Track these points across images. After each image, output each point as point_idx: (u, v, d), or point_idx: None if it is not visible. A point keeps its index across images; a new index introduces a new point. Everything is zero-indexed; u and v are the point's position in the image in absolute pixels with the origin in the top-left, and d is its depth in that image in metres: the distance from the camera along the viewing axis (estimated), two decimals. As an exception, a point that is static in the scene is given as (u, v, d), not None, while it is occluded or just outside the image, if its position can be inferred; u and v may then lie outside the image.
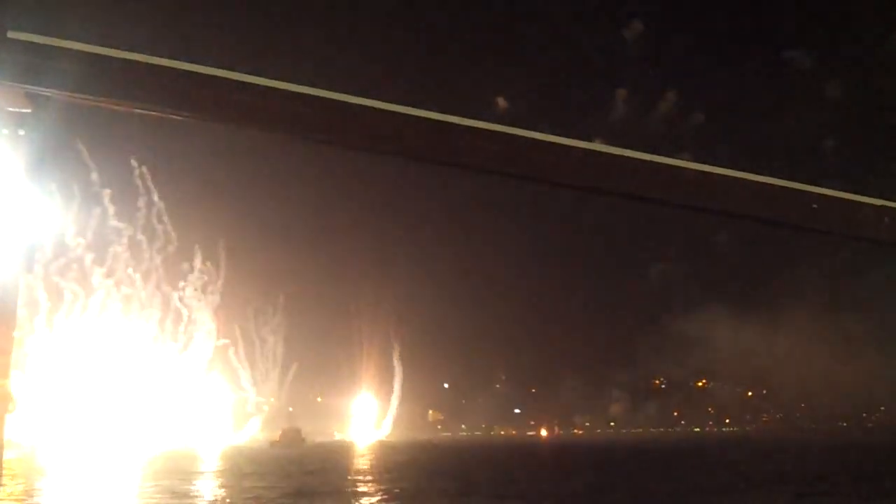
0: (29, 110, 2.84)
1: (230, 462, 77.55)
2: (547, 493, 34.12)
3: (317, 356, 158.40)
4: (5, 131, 2.83)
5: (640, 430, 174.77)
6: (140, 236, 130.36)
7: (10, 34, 2.78)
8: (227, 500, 33.07)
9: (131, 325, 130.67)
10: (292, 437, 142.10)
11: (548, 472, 48.75)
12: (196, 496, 36.71)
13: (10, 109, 2.78)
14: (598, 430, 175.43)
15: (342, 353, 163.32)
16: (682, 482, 40.94)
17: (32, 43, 2.81)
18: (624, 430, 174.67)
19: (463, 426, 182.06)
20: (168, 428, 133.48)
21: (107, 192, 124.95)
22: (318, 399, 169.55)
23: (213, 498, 35.78)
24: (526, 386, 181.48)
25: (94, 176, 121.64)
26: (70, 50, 2.77)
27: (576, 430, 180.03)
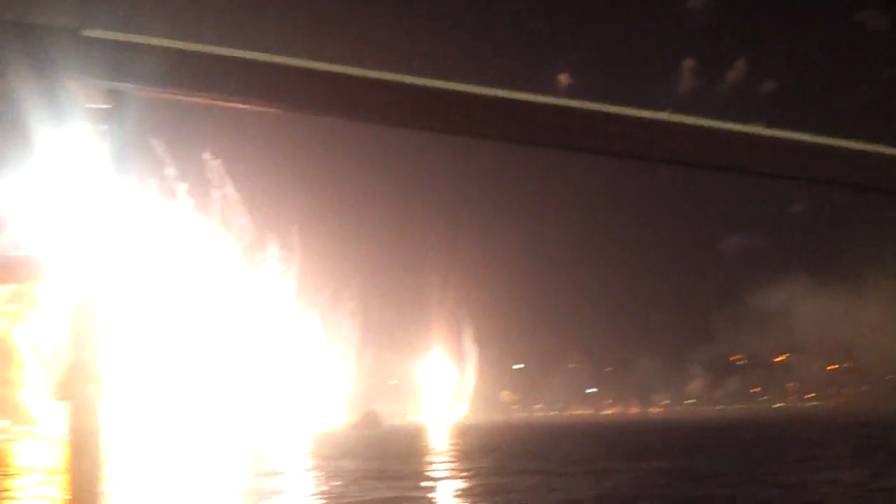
0: (108, 106, 2.95)
1: (321, 445, 79.57)
2: (632, 470, 33.87)
3: (391, 339, 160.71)
4: (87, 128, 2.96)
5: (720, 407, 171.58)
6: (217, 228, 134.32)
7: (87, 32, 2.88)
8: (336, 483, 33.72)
9: (212, 314, 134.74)
10: (371, 419, 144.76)
11: (629, 451, 48.32)
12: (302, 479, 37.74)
13: (90, 106, 2.89)
14: (677, 408, 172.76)
15: (416, 336, 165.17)
16: (764, 457, 40.10)
17: (109, 39, 2.91)
18: (703, 408, 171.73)
19: (537, 406, 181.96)
20: (257, 416, 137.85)
21: (182, 186, 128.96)
22: (393, 382, 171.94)
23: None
24: (600, 365, 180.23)
25: (170, 171, 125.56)
26: (146, 45, 2.85)
27: (653, 409, 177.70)
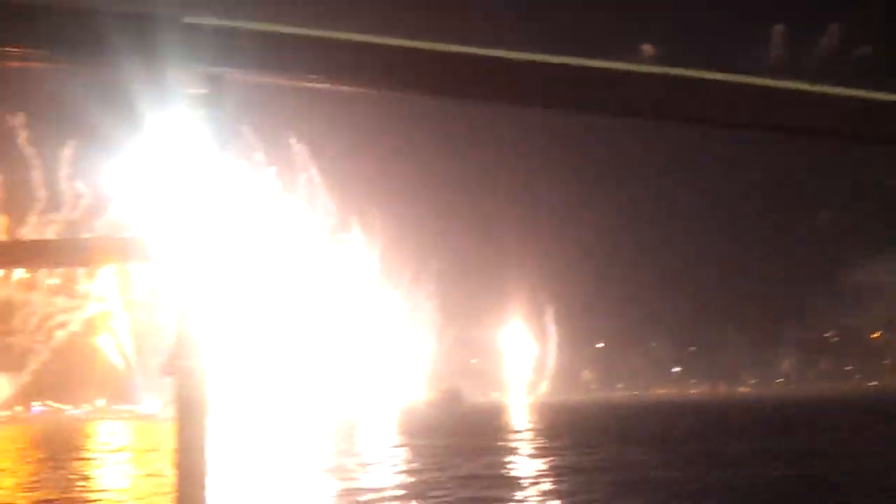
0: (208, 91, 3.06)
1: (405, 422, 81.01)
2: (718, 452, 33.23)
3: (473, 318, 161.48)
4: (188, 113, 3.08)
5: (812, 386, 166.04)
6: (302, 210, 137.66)
7: (188, 19, 3.00)
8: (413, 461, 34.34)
9: (299, 294, 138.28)
10: (450, 397, 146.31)
11: (715, 431, 47.39)
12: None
13: (191, 91, 3.01)
14: (766, 388, 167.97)
15: (496, 315, 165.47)
16: (857, 438, 38.74)
17: (209, 25, 3.01)
18: (794, 387, 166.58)
19: (619, 386, 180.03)
20: (342, 393, 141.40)
21: (271, 170, 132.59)
22: (473, 361, 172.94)
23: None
24: (684, 344, 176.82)
25: (259, 156, 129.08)
26: (245, 29, 2.94)
27: (741, 389, 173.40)
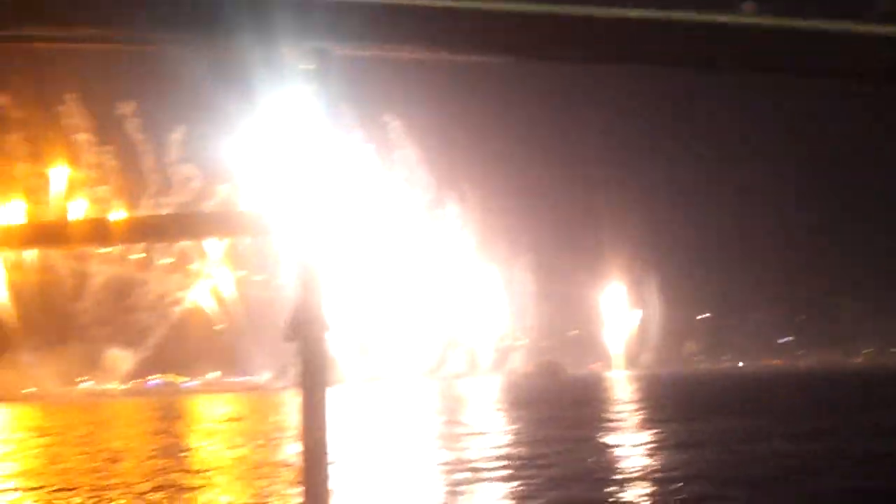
0: (318, 67, 3.09)
1: (506, 393, 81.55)
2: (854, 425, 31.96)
3: (570, 290, 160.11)
4: (301, 88, 3.13)
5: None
6: (399, 187, 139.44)
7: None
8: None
9: (399, 267, 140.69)
10: (549, 369, 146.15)
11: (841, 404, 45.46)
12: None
13: (303, 67, 3.05)
14: (882, 358, 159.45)
15: (595, 287, 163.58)
16: None
17: (323, 1, 3.04)
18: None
19: (724, 357, 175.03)
20: (440, 364, 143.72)
21: (369, 147, 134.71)
22: (572, 333, 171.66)
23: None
24: (793, 314, 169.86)
25: (358, 133, 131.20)
26: (356, 3, 2.94)
27: (855, 359, 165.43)
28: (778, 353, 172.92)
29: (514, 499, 17.56)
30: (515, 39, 2.82)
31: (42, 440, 39.40)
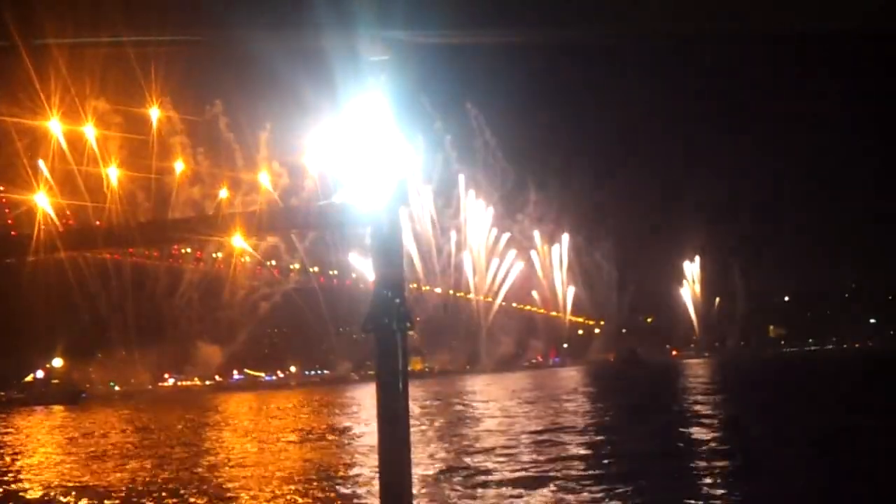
0: (387, 57, 3.09)
1: (591, 378, 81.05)
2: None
3: (646, 277, 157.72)
4: (378, 79, 3.14)
5: None
6: (479, 176, 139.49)
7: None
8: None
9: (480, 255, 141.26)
10: (627, 356, 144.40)
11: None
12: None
13: (372, 59, 3.06)
14: None
15: (676, 274, 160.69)
16: None
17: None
18: None
19: (810, 341, 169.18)
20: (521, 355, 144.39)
21: (447, 138, 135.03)
22: (649, 320, 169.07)
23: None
24: (884, 293, 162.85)
25: (438, 124, 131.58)
26: None
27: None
28: (868, 333, 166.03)
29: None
30: (606, 16, 2.74)
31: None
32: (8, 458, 31.64)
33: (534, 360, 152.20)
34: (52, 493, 21.66)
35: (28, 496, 21.66)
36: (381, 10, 3.07)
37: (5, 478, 25.29)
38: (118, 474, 24.58)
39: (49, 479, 24.62)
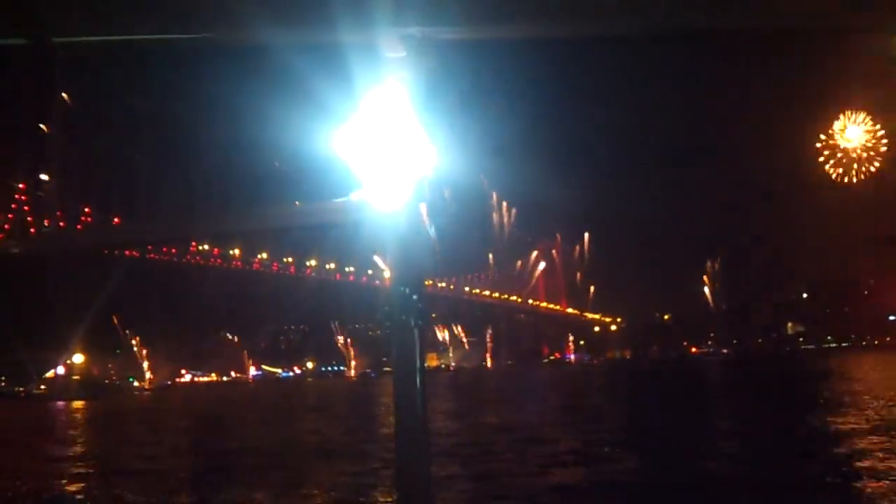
0: (403, 54, 3.11)
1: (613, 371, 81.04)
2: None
3: (658, 274, 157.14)
4: (397, 76, 3.16)
5: None
6: (503, 172, 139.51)
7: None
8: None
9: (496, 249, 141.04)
10: (640, 354, 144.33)
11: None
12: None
13: (389, 55, 3.09)
14: None
15: (686, 270, 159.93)
16: None
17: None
18: None
19: (829, 338, 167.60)
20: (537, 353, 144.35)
21: (471, 135, 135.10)
22: (666, 317, 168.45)
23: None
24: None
25: (462, 120, 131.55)
26: None
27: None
28: (888, 331, 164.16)
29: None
30: (621, 15, 2.75)
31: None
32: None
33: (551, 357, 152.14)
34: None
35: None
36: (397, 7, 3.09)
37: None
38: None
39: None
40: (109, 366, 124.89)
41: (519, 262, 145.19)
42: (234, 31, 2.98)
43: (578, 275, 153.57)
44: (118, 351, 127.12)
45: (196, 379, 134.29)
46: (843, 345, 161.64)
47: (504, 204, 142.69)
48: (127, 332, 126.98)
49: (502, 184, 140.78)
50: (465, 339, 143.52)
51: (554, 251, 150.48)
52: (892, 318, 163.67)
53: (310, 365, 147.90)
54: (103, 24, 2.95)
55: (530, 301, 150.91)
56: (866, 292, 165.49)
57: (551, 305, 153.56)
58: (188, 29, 2.87)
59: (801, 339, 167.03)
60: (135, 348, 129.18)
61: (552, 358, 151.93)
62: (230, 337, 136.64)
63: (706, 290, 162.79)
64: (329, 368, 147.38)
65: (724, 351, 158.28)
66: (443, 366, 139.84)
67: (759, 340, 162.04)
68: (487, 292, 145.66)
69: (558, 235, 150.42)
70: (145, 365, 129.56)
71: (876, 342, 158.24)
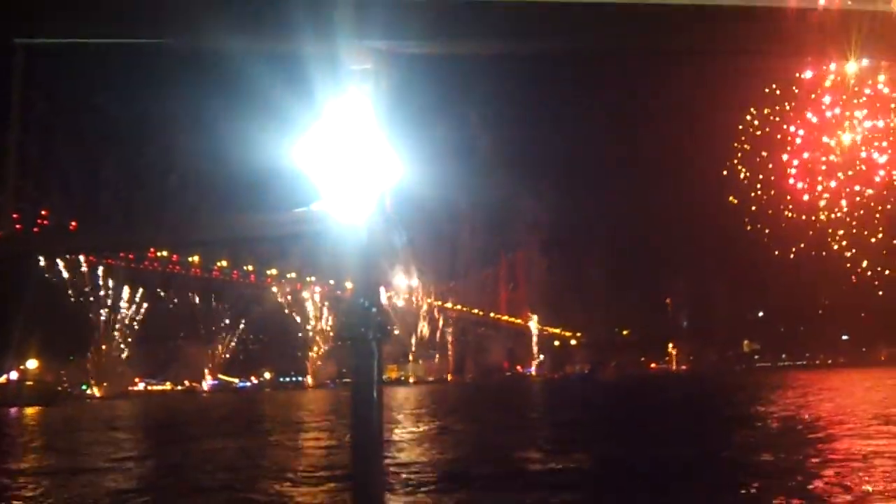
0: (369, 66, 3.12)
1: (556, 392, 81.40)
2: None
3: (619, 289, 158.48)
4: (358, 88, 3.17)
5: None
6: (484, 179, 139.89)
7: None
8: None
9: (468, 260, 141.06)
10: (600, 369, 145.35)
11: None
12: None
13: (360, 67, 3.09)
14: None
15: (646, 286, 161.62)
16: None
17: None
18: None
19: (783, 356, 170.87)
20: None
21: (456, 140, 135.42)
22: (625, 333, 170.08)
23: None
24: (854, 311, 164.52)
25: (437, 130, 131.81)
26: (414, 1, 2.95)
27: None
28: (839, 349, 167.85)
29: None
30: (575, 30, 2.79)
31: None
32: None
33: (509, 372, 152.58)
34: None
35: None
36: (361, 20, 3.11)
37: None
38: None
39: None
40: (62, 372, 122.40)
41: (482, 275, 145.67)
42: (193, 36, 2.97)
43: (542, 288, 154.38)
44: (72, 358, 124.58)
45: (149, 387, 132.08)
46: (798, 363, 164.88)
47: (469, 216, 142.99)
48: (82, 337, 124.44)
49: (471, 196, 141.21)
50: (426, 352, 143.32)
51: (518, 264, 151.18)
52: (845, 337, 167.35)
53: (267, 375, 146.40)
54: (61, 27, 2.92)
55: (492, 314, 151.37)
56: (820, 312, 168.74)
57: (513, 319, 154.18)
58: (147, 33, 2.86)
59: (756, 357, 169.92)
60: (89, 354, 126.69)
61: (515, 371, 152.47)
62: (188, 345, 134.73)
63: (668, 307, 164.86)
64: (287, 379, 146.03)
65: (683, 367, 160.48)
66: (402, 377, 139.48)
67: (716, 358, 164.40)
68: (450, 304, 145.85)
69: (522, 249, 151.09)
70: (99, 372, 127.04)
71: (829, 361, 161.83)
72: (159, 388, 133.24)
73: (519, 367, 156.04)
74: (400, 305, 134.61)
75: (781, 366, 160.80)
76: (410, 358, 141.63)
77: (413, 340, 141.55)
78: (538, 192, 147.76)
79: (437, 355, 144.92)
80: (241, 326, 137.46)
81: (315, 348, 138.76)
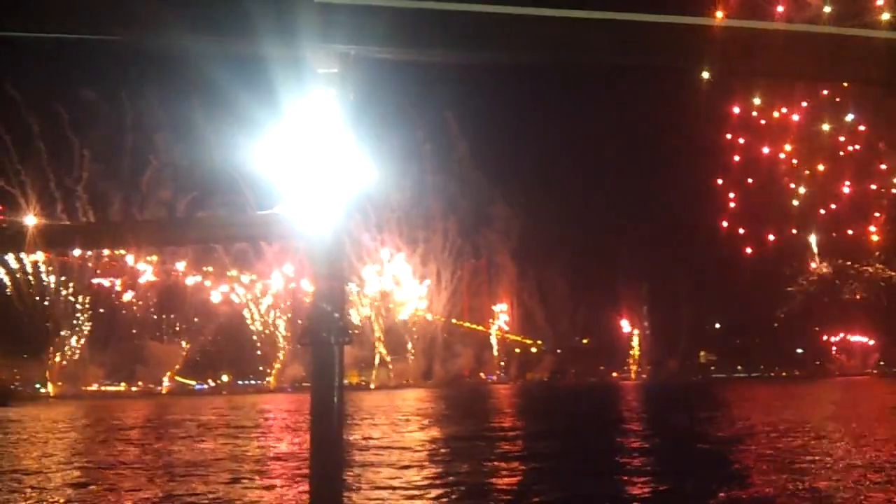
0: (340, 70, 3.11)
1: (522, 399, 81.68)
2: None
3: (580, 299, 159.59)
4: (322, 92, 3.15)
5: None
6: (453, 187, 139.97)
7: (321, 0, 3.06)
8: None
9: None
10: (560, 377, 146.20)
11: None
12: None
13: (325, 71, 3.08)
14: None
15: (607, 296, 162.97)
16: None
17: (342, 5, 3.05)
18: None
19: (739, 367, 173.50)
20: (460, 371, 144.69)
21: (425, 148, 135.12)
22: (584, 341, 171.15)
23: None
24: (807, 325, 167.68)
25: (419, 133, 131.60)
26: (379, 7, 2.94)
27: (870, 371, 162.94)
28: (794, 362, 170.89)
29: None
30: (534, 42, 2.82)
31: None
32: None
33: (470, 379, 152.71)
34: None
35: None
36: (327, 24, 3.11)
37: None
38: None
39: None
40: (15, 371, 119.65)
41: (446, 280, 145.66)
42: (154, 35, 2.94)
43: (503, 296, 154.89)
44: (25, 356, 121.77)
45: (103, 388, 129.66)
46: (753, 375, 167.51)
47: (441, 220, 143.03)
48: (36, 336, 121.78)
49: (443, 200, 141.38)
50: (388, 358, 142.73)
51: (481, 271, 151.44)
52: (799, 350, 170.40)
53: (225, 378, 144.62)
54: (17, 20, 2.86)
55: (454, 321, 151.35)
56: (776, 325, 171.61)
57: (475, 325, 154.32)
58: (107, 31, 2.82)
59: (712, 368, 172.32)
60: (44, 354, 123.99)
61: (477, 378, 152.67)
62: (146, 347, 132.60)
63: (627, 317, 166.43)
64: (245, 382, 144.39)
65: (644, 376, 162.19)
66: (363, 383, 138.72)
67: (673, 368, 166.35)
68: (415, 310, 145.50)
69: (488, 256, 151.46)
70: (54, 372, 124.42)
71: (784, 374, 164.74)
72: (113, 388, 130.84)
73: (482, 374, 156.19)
74: (364, 311, 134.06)
75: (736, 377, 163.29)
76: (377, 363, 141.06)
77: (377, 346, 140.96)
78: (507, 199, 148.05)
79: (400, 361, 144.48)
80: (200, 329, 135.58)
81: (279, 352, 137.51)
